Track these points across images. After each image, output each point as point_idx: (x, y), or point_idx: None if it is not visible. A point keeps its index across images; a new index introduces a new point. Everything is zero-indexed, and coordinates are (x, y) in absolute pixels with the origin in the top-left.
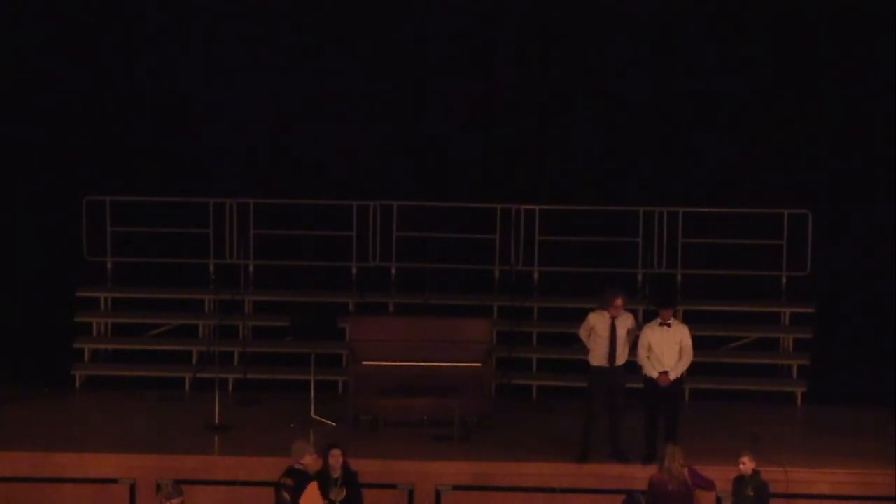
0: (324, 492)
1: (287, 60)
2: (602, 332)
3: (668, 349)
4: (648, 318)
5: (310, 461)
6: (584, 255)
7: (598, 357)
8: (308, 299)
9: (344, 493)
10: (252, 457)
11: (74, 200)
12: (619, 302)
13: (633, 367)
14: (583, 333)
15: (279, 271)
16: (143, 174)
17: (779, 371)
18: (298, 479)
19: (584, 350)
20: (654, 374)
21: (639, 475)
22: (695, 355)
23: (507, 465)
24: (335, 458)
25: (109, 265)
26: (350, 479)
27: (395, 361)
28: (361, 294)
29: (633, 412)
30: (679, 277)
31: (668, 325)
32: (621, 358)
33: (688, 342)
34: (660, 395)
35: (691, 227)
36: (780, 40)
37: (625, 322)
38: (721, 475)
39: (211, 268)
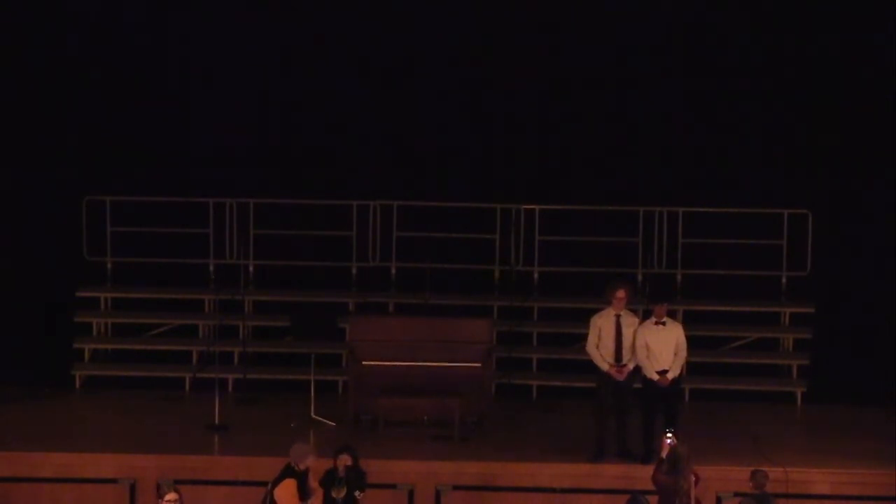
0: (327, 491)
1: (287, 60)
2: (608, 332)
3: (665, 348)
4: (649, 318)
5: (312, 464)
6: (584, 255)
7: (604, 357)
8: (308, 299)
9: (344, 492)
10: (252, 457)
11: (74, 200)
12: (620, 294)
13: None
14: (591, 345)
15: (279, 271)
16: (143, 174)
17: (779, 371)
18: (303, 481)
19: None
20: (655, 377)
21: (640, 475)
22: (695, 355)
23: (507, 465)
24: (343, 461)
25: (109, 265)
26: (350, 475)
27: (395, 361)
28: (361, 294)
29: (634, 412)
30: (679, 277)
31: (664, 324)
32: (627, 357)
33: (682, 340)
34: (659, 395)
35: (691, 227)
36: (780, 40)
37: (631, 323)
38: (721, 475)
39: (211, 268)
